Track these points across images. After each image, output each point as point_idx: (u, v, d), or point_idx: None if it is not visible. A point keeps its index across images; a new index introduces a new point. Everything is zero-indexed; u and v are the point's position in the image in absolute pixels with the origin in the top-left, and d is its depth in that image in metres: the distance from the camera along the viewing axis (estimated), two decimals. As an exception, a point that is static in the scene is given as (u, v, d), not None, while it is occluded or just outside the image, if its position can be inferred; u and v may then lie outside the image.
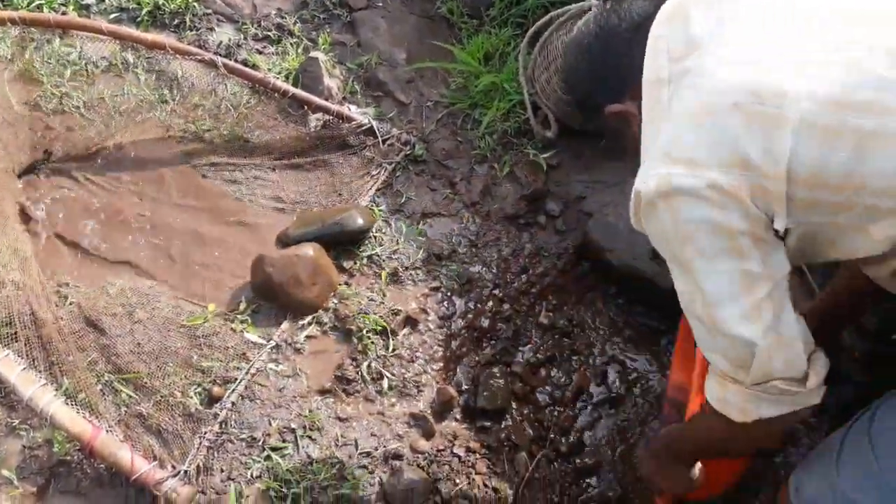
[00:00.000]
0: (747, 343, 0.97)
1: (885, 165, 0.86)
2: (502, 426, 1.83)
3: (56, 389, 1.70)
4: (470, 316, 2.06)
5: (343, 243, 2.13)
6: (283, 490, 1.61)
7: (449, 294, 2.10)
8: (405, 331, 1.98)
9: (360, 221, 2.12)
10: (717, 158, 0.92)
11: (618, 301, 2.12)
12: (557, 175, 2.40)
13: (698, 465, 1.34)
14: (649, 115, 1.04)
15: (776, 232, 0.94)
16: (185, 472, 1.62)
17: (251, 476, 1.64)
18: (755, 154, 0.89)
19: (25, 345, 1.77)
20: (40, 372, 1.73)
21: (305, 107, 2.53)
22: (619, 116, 1.14)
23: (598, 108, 1.16)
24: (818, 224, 0.94)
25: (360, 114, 2.52)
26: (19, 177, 2.37)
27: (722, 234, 0.94)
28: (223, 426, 1.72)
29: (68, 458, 1.65)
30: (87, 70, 2.58)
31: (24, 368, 1.70)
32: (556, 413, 1.89)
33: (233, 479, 1.64)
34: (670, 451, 1.32)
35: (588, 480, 1.75)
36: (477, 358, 1.97)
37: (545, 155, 2.40)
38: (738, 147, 0.90)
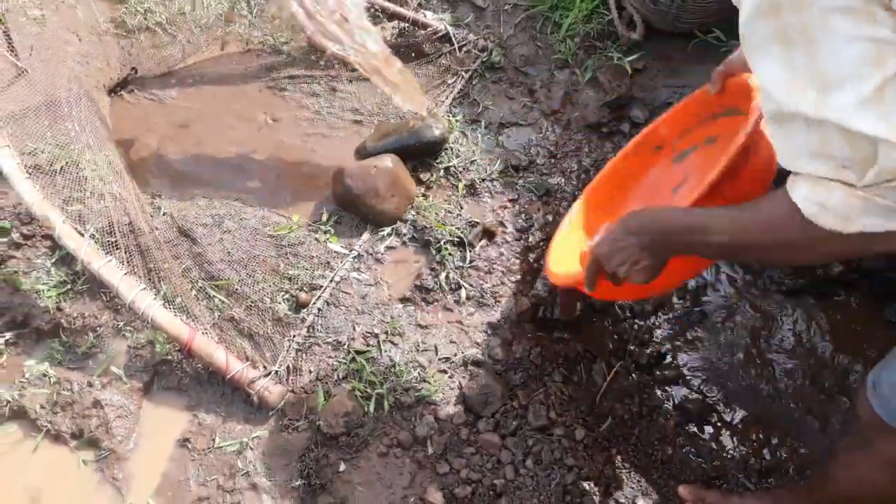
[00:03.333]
0: (868, 136, 0.81)
1: None
2: (579, 337, 1.83)
3: (155, 294, 1.80)
4: (548, 228, 2.03)
5: (420, 154, 2.12)
6: (368, 391, 1.68)
7: (527, 206, 2.07)
8: (482, 243, 1.98)
9: (436, 132, 2.09)
10: None
11: (704, 212, 2.04)
12: (643, 80, 2.27)
13: None
14: None
15: None
16: (276, 372, 1.71)
17: (338, 377, 1.72)
18: None
19: (125, 252, 1.88)
20: (140, 278, 1.84)
21: (381, 14, 2.48)
22: None
23: None
24: None
25: (437, 20, 2.44)
26: (109, 93, 2.46)
27: None
28: (310, 330, 1.80)
29: (169, 357, 1.77)
30: (167, -16, 2.60)
31: (126, 274, 1.81)
32: (635, 326, 1.87)
33: (320, 380, 1.72)
34: (666, 236, 1.10)
35: (668, 390, 1.74)
36: (555, 270, 1.95)
37: (630, 58, 2.27)
38: None
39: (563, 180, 2.13)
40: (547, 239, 2.00)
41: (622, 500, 1.53)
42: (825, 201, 0.89)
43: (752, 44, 0.89)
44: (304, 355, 1.76)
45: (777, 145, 0.91)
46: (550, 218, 2.05)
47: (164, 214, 2.03)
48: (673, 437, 1.64)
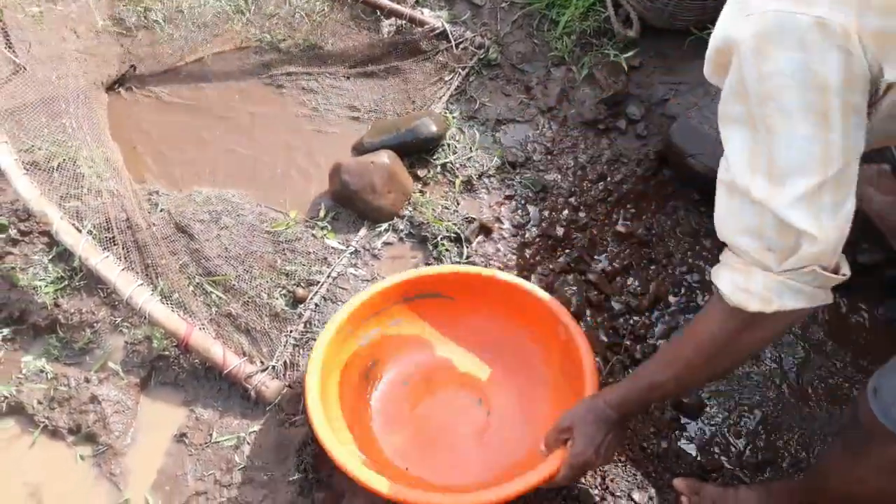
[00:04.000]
0: (798, 228, 0.92)
1: None
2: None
3: (152, 290, 1.81)
4: (544, 224, 2.03)
5: (417, 151, 2.13)
6: (364, 387, 1.69)
7: (523, 202, 2.08)
8: (479, 238, 1.98)
9: (433, 128, 2.10)
10: None
11: (700, 208, 2.05)
12: (639, 77, 2.28)
13: None
14: None
15: (870, 97, 0.87)
16: (273, 367, 1.72)
17: (333, 373, 1.72)
18: None
19: (123, 248, 1.89)
20: (137, 273, 1.84)
21: (378, 12, 2.49)
22: None
23: None
24: None
25: (433, 17, 2.45)
26: (107, 90, 2.46)
27: (814, 90, 0.87)
28: (307, 326, 1.80)
29: (166, 353, 1.78)
30: (164, -19, 2.61)
31: (123, 269, 1.81)
32: (631, 321, 1.87)
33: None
34: (642, 398, 1.30)
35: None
36: (551, 266, 1.96)
37: (626, 55, 2.28)
38: None
39: (559, 177, 2.14)
40: (543, 236, 2.01)
41: (618, 494, 1.53)
42: (748, 286, 1.01)
43: (725, 116, 1.00)
44: (301, 350, 1.77)
45: (719, 212, 1.04)
46: (547, 214, 2.05)
47: (161, 210, 2.03)
48: (668, 430, 1.65)
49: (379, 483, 1.36)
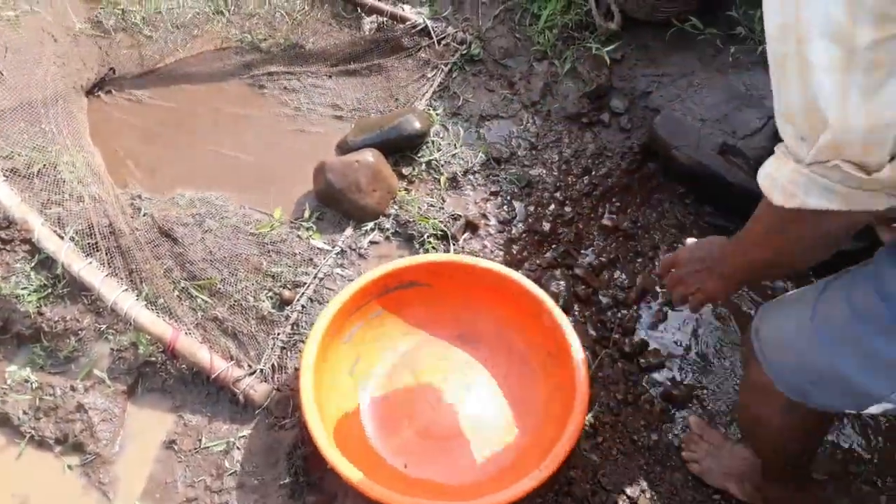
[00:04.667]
0: (826, 100, 0.76)
1: None
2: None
3: (137, 295, 1.79)
4: (530, 220, 2.03)
5: (401, 149, 2.12)
6: (353, 387, 1.68)
7: (509, 198, 2.07)
8: (465, 235, 1.98)
9: (417, 125, 2.09)
10: None
11: (685, 201, 2.05)
12: (621, 70, 2.28)
13: None
14: None
15: None
16: (261, 370, 1.71)
17: (322, 375, 1.71)
18: None
19: (106, 254, 1.86)
20: (121, 279, 1.82)
21: (359, 9, 2.47)
22: None
23: None
24: None
25: (415, 13, 2.44)
26: (87, 94, 2.43)
27: None
28: (294, 328, 1.79)
29: (153, 359, 1.76)
30: (141, -17, 2.58)
31: (107, 275, 1.79)
32: (619, 315, 1.88)
33: (305, 378, 1.71)
34: (753, 270, 1.12)
35: (653, 377, 1.75)
36: (538, 261, 1.96)
37: (608, 48, 2.28)
38: None
39: (544, 171, 2.13)
40: (529, 231, 2.01)
41: (609, 487, 1.54)
42: (776, 174, 0.88)
43: None
44: (288, 353, 1.76)
45: (774, 92, 0.87)
46: (532, 209, 2.05)
47: (144, 215, 2.01)
48: (658, 423, 1.65)
49: (378, 489, 1.37)
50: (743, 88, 2.06)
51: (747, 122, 1.97)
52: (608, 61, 2.27)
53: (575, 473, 1.55)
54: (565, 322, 1.59)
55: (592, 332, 1.84)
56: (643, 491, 1.54)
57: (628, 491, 1.54)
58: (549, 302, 1.63)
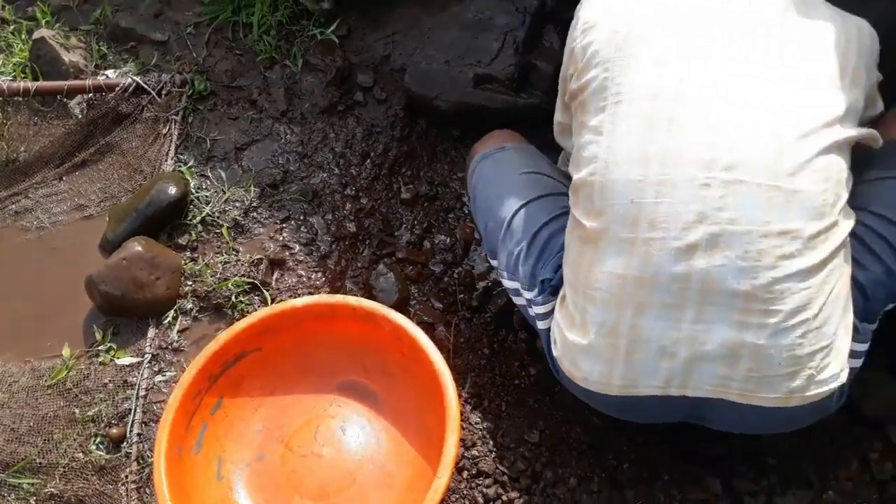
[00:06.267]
0: None
1: None
2: (412, 314, 1.76)
3: (-56, 520, 1.51)
4: (333, 228, 1.92)
5: (168, 220, 1.91)
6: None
7: (302, 217, 1.95)
8: (275, 276, 1.84)
9: (172, 190, 1.89)
10: None
11: (466, 141, 2.02)
12: (353, 44, 2.19)
13: None
14: None
15: None
16: (127, 523, 1.50)
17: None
18: None
19: None
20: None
21: (58, 96, 2.19)
22: None
23: None
24: None
25: (120, 76, 2.20)
26: None
27: None
28: (140, 461, 1.59)
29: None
30: None
31: None
32: (455, 275, 1.83)
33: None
34: None
35: (509, 319, 1.72)
36: (359, 264, 1.86)
37: (331, 29, 2.18)
38: None
39: (325, 175, 2.03)
40: (337, 239, 1.90)
41: (511, 445, 1.50)
42: None
43: None
44: (146, 490, 1.55)
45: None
46: (331, 217, 1.94)
47: (-86, 427, 1.69)
48: (529, 354, 1.63)
49: None
50: (471, 16, 2.04)
51: (488, 47, 1.95)
52: (336, 41, 2.17)
53: (477, 450, 1.50)
54: (402, 319, 1.50)
55: (439, 305, 1.79)
56: (541, 431, 1.51)
57: (528, 437, 1.50)
58: (380, 308, 1.53)
